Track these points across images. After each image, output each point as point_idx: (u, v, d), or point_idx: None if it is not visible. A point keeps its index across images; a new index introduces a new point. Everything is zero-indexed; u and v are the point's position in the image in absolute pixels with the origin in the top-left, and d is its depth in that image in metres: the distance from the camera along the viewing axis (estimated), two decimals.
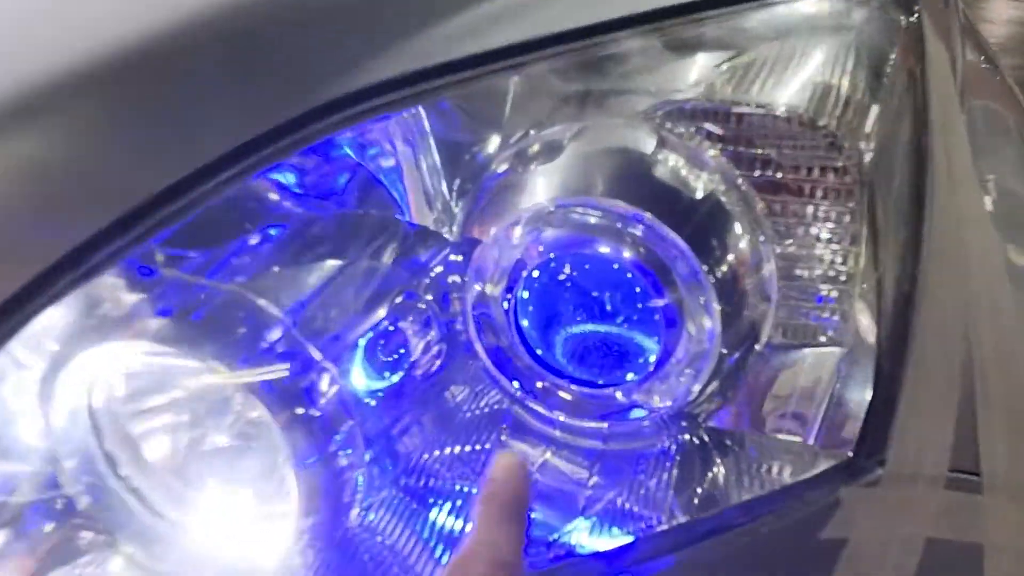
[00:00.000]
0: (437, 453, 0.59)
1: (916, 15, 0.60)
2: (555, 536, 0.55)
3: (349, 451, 0.49)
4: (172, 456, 0.53)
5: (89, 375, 0.50)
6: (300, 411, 0.46)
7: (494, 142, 0.57)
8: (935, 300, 0.57)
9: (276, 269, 0.51)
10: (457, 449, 0.58)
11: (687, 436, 0.56)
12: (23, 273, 0.46)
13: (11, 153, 0.43)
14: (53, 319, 0.48)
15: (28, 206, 0.46)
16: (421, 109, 0.54)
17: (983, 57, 0.86)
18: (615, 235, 0.51)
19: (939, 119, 0.60)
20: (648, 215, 0.50)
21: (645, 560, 0.50)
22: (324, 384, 0.48)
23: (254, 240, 0.53)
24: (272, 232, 0.54)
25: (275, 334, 0.47)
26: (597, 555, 0.51)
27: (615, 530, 0.55)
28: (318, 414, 0.47)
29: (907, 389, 0.55)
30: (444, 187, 0.57)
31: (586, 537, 0.55)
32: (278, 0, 0.48)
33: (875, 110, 0.55)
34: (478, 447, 0.58)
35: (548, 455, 0.58)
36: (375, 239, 0.56)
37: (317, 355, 0.48)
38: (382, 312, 0.55)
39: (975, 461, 0.61)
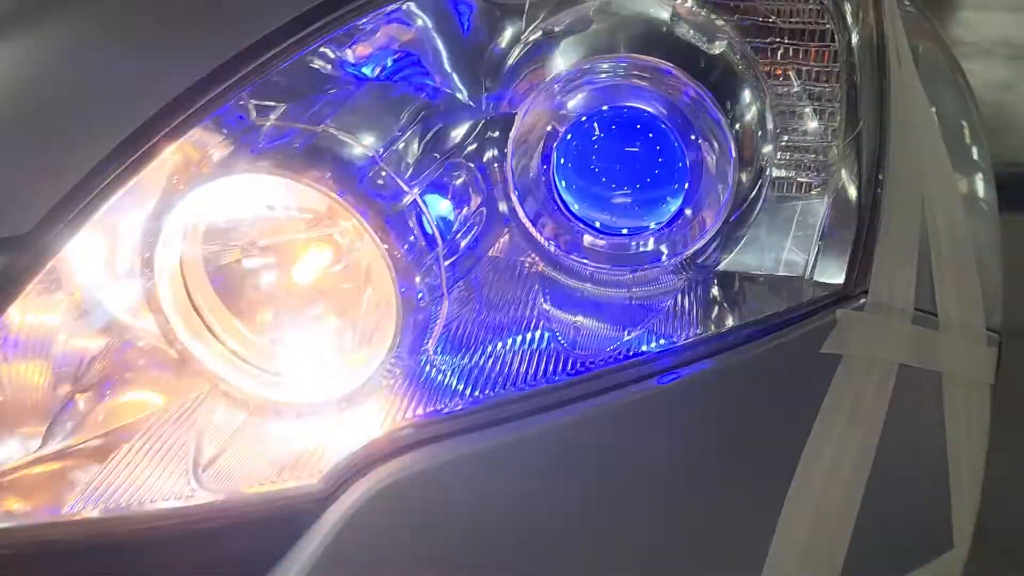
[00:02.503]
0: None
1: None
2: None
3: (434, 280, 0.55)
4: (259, 299, 0.58)
5: (189, 218, 0.55)
6: (398, 237, 0.53)
7: (518, 26, 0.65)
8: (899, 165, 0.67)
9: (352, 118, 0.57)
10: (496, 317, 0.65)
11: (701, 280, 0.65)
12: (143, 112, 0.52)
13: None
14: (163, 162, 0.53)
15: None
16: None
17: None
18: (646, 89, 0.59)
19: (896, 34, 0.71)
20: (674, 67, 0.58)
21: (680, 365, 0.58)
22: (412, 216, 0.55)
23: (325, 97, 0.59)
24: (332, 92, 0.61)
25: (369, 168, 0.54)
26: (638, 359, 0.58)
27: None
28: (412, 239, 0.54)
29: (881, 236, 0.65)
30: (476, 66, 0.65)
31: None
32: None
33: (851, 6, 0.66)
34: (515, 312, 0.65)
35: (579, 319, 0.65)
36: (418, 113, 0.63)
37: (405, 187, 0.55)
38: (428, 177, 0.61)
39: (933, 304, 0.71)
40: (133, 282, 0.56)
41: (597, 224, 0.64)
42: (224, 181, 0.53)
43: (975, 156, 0.93)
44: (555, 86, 0.60)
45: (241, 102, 0.55)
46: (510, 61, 0.64)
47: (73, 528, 0.53)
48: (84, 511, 0.53)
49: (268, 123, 0.54)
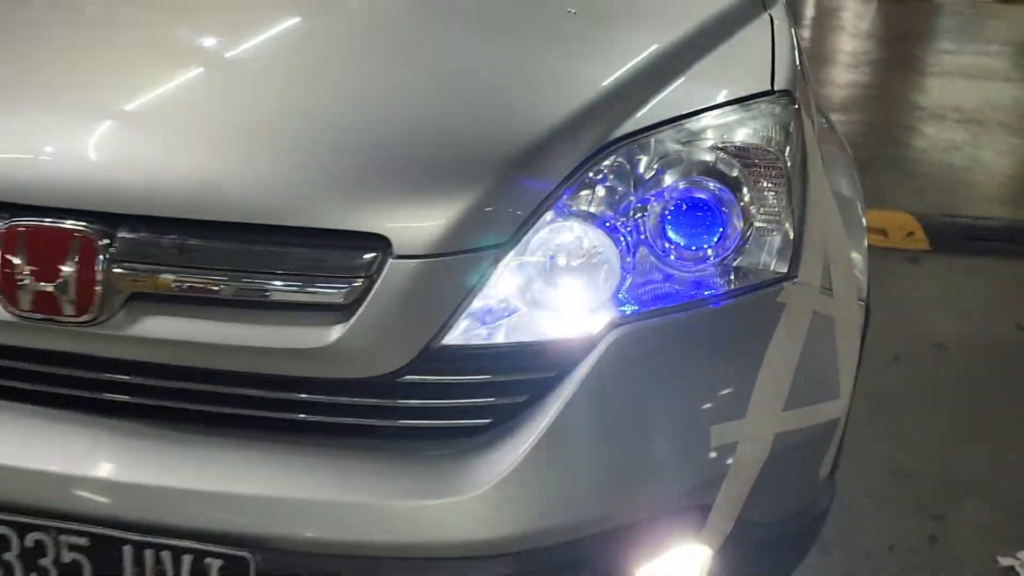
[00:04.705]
0: None
1: (796, 104, 1.48)
2: None
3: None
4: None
5: None
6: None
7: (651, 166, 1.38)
8: (812, 217, 1.44)
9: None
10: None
11: (724, 268, 1.39)
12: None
13: None
14: None
15: None
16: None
17: (824, 119, 1.77)
18: (707, 191, 1.33)
19: (812, 151, 1.48)
20: (718, 182, 1.33)
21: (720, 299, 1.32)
22: None
23: None
24: None
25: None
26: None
27: None
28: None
29: (805, 249, 1.41)
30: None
31: None
32: None
33: (790, 145, 1.42)
34: None
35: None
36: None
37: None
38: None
39: (830, 283, 1.48)
40: None
41: (683, 244, 1.37)
42: None
43: (857, 209, 1.71)
44: (666, 191, 1.34)
45: None
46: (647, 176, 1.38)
47: None
48: None
49: None
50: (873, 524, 2.19)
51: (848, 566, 2.07)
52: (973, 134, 5.64)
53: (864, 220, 1.72)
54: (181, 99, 1.33)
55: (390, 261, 1.16)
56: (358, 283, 1.17)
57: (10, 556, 1.21)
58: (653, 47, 1.54)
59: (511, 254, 1.23)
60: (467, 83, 1.42)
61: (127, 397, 1.24)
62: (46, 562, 1.20)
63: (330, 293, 1.17)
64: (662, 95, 1.44)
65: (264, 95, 1.36)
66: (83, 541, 1.18)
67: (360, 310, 1.17)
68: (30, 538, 1.19)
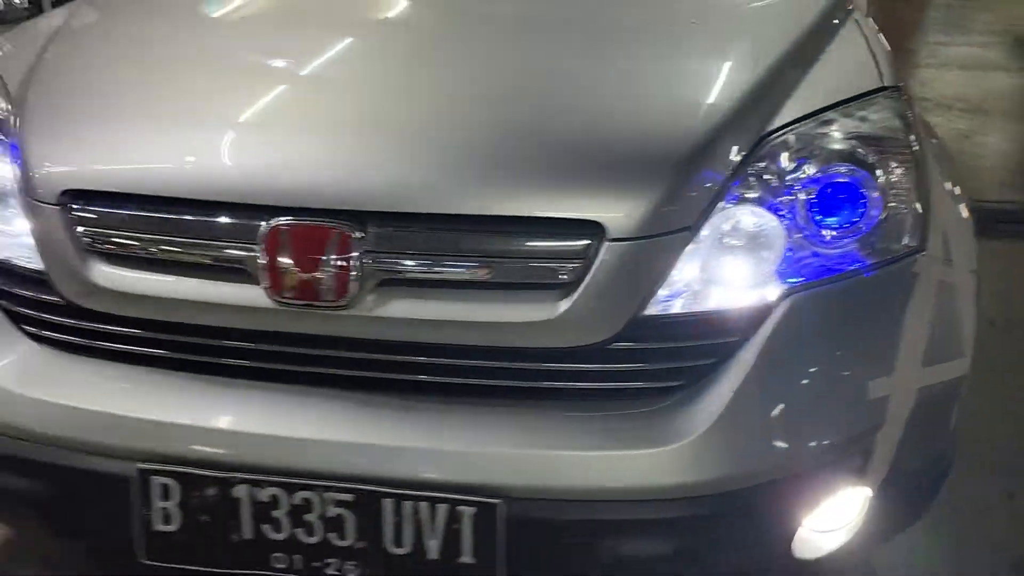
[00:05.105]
0: None
1: (907, 96, 1.68)
2: None
3: None
4: None
5: None
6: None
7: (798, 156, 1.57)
8: (933, 197, 1.63)
9: None
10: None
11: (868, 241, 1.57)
12: None
13: None
14: None
15: None
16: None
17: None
18: (852, 176, 1.52)
19: (923, 136, 1.69)
20: (857, 168, 1.52)
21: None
22: None
23: None
24: None
25: None
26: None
27: None
28: None
29: (930, 226, 1.60)
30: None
31: None
32: None
33: (911, 132, 1.62)
34: None
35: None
36: None
37: None
38: None
39: (950, 256, 1.67)
40: None
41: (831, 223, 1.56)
42: None
43: (955, 188, 1.92)
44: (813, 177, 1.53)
45: None
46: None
47: None
48: None
49: None
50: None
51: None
52: (980, 123, 5.87)
53: (961, 194, 1.92)
54: (416, 109, 1.52)
55: (606, 243, 1.36)
56: (579, 263, 1.36)
57: (279, 513, 1.38)
58: (777, 50, 1.73)
59: (697, 235, 1.42)
60: (644, 87, 1.61)
61: (374, 373, 1.42)
62: (311, 517, 1.38)
63: (556, 273, 1.37)
64: (796, 93, 1.63)
65: (485, 108, 1.54)
66: (348, 497, 1.36)
67: (582, 286, 1.36)
68: (298, 496, 1.37)
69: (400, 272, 1.38)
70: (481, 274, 1.38)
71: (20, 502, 1.52)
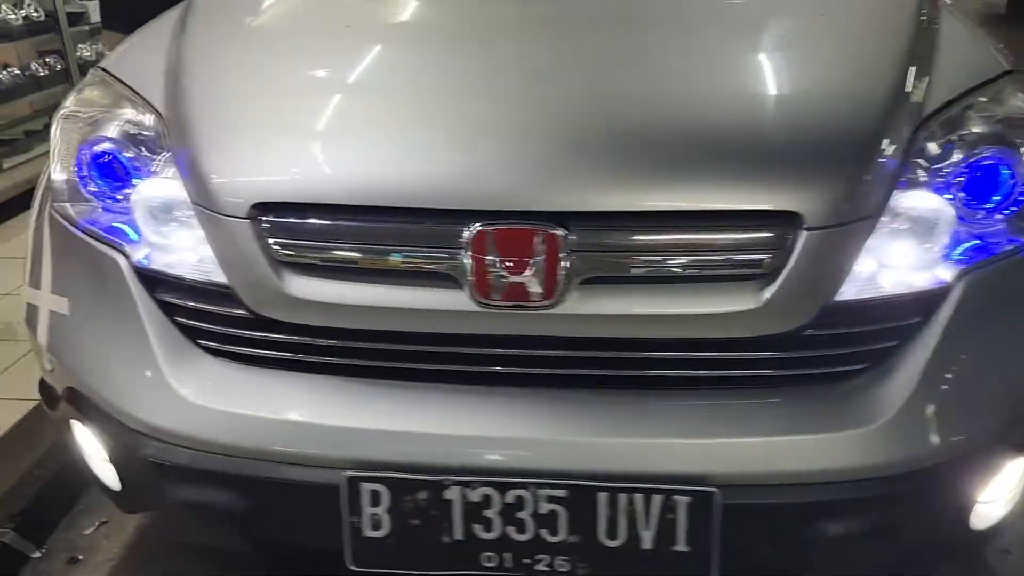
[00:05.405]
0: None
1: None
2: None
3: None
4: None
5: None
6: None
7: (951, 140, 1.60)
8: None
9: None
10: None
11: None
12: None
13: None
14: None
15: None
16: None
17: None
18: (1006, 156, 1.57)
19: None
20: (1010, 149, 1.56)
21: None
22: None
23: None
24: None
25: None
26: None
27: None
28: None
29: None
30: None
31: None
32: None
33: None
34: None
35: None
36: None
37: None
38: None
39: None
40: None
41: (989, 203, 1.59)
42: None
43: None
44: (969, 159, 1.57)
45: None
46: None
47: None
48: None
49: None
50: None
51: None
52: None
53: None
54: (603, 110, 1.52)
55: (804, 233, 1.39)
56: (779, 253, 1.39)
57: (491, 512, 1.40)
58: (910, 38, 1.76)
59: (879, 221, 1.46)
60: (816, 79, 1.64)
61: (575, 370, 1.44)
62: (523, 514, 1.40)
63: (757, 263, 1.40)
64: (933, 80, 1.67)
65: (672, 105, 1.55)
66: (562, 493, 1.38)
67: (782, 275, 1.39)
68: (511, 495, 1.39)
69: (603, 269, 1.40)
70: (683, 268, 1.40)
71: (219, 515, 1.52)
